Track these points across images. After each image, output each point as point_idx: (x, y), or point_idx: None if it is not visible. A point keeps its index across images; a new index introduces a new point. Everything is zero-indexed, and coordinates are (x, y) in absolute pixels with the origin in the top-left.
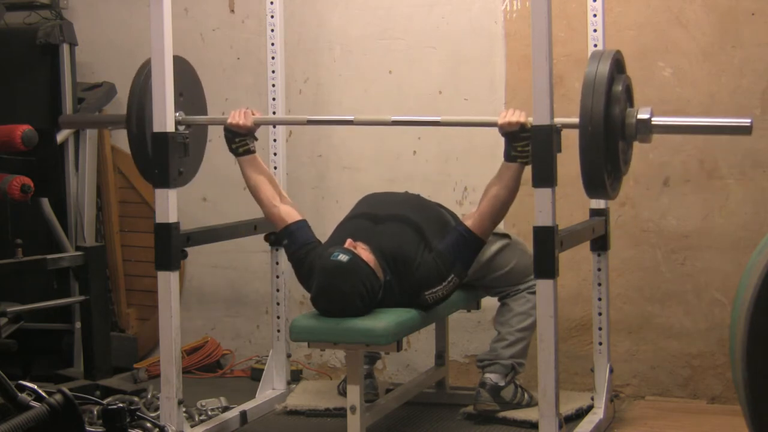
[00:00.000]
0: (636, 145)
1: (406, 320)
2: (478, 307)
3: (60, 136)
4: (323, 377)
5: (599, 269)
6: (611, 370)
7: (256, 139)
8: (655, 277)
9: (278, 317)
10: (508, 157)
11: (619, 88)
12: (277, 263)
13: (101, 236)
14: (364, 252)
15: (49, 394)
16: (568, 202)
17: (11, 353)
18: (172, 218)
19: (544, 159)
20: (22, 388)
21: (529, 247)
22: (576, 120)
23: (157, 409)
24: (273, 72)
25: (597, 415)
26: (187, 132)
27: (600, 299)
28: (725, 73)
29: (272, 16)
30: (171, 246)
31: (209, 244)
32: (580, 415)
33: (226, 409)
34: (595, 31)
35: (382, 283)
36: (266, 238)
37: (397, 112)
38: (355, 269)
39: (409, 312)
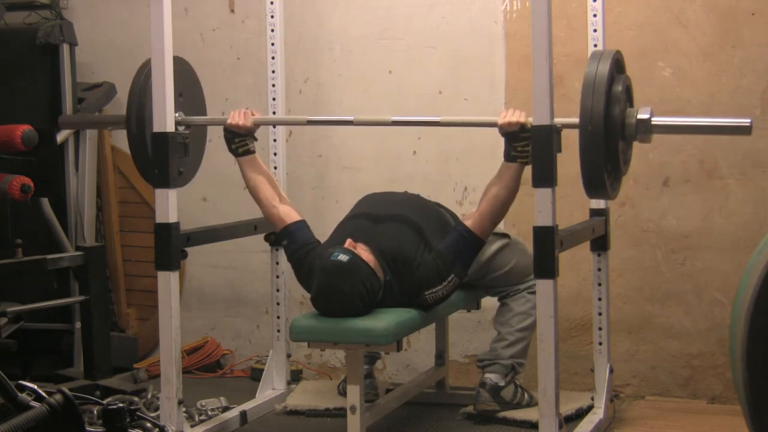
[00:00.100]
0: (636, 145)
1: (406, 320)
2: (478, 307)
3: (60, 136)
4: (323, 377)
5: (599, 269)
6: (611, 370)
7: (256, 140)
8: (655, 277)
9: (278, 317)
10: (508, 157)
11: (619, 88)
12: (277, 263)
13: (101, 236)
14: (364, 252)
15: (49, 394)
16: (568, 202)
17: (11, 353)
18: (172, 218)
19: (544, 159)
20: (22, 388)
21: (529, 247)
22: (576, 120)
23: (157, 409)
24: (273, 72)
25: (597, 415)
26: (186, 132)
27: (600, 299)
28: (725, 73)
29: (272, 16)
30: (171, 246)
31: (209, 244)
32: (580, 415)
33: (226, 409)
34: (595, 31)
35: (382, 283)
36: (266, 238)
37: (397, 112)
38: (355, 269)
39: (409, 312)
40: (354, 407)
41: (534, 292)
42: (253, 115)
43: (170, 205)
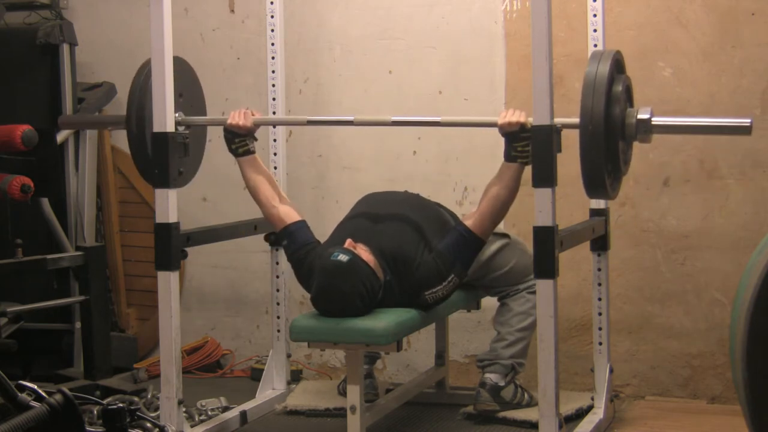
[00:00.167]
0: (636, 145)
1: (406, 320)
2: (478, 307)
3: (60, 136)
4: (323, 377)
5: (599, 269)
6: (611, 370)
7: (256, 140)
8: (655, 277)
9: (278, 317)
10: (508, 157)
11: (619, 88)
12: (277, 263)
13: (101, 236)
14: (364, 252)
15: (49, 394)
16: (568, 202)
17: (11, 353)
18: (172, 218)
19: (544, 159)
20: (22, 388)
21: (529, 247)
22: (576, 120)
23: (157, 409)
24: (273, 72)
25: (597, 415)
26: (186, 132)
27: (600, 299)
28: (725, 73)
29: (272, 16)
30: (171, 246)
31: (209, 244)
32: (580, 415)
33: (226, 409)
34: (595, 31)
35: (382, 283)
36: (266, 238)
37: (397, 112)
38: (355, 269)
39: (409, 312)
40: (354, 407)
41: (534, 292)
42: (253, 115)
43: (170, 205)
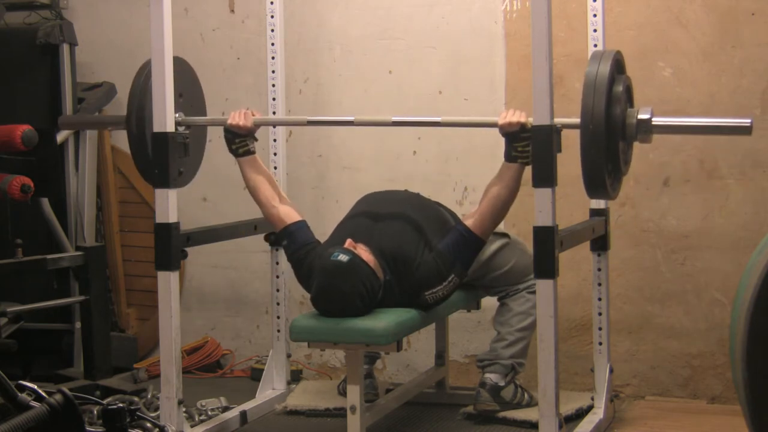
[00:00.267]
0: (636, 145)
1: (406, 320)
2: (478, 307)
3: (60, 136)
4: (323, 377)
5: (599, 269)
6: (611, 370)
7: (257, 140)
8: (655, 277)
9: (278, 317)
10: (509, 157)
11: (619, 88)
12: (277, 263)
13: (101, 236)
14: (364, 252)
15: (49, 394)
16: (568, 202)
17: (11, 353)
18: (172, 218)
19: (544, 159)
20: (22, 388)
21: (529, 246)
22: (576, 120)
23: (157, 409)
24: (273, 72)
25: (597, 415)
26: (187, 132)
27: (600, 299)
28: (725, 73)
29: (272, 16)
30: (171, 246)
31: (209, 244)
32: (580, 415)
33: (226, 409)
34: (595, 31)
35: (382, 283)
36: (266, 238)
37: (397, 112)
38: (355, 269)
39: (409, 312)
40: (354, 407)
41: (534, 292)
42: (253, 115)
43: (170, 205)
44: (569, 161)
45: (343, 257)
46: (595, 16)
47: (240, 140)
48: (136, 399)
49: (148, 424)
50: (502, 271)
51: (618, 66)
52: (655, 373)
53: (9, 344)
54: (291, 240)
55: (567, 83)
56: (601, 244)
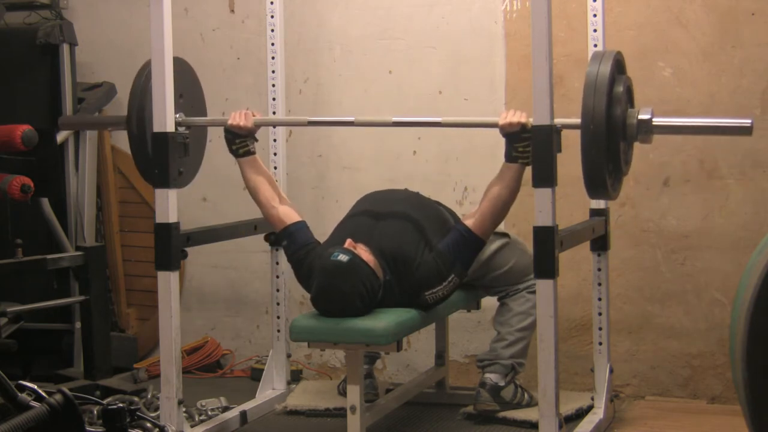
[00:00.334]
0: (636, 145)
1: (406, 320)
2: (478, 307)
3: (60, 136)
4: (323, 377)
5: (599, 269)
6: (611, 370)
7: (257, 141)
8: (655, 277)
9: (278, 317)
10: (509, 157)
11: (620, 88)
12: (277, 263)
13: (101, 236)
14: (364, 252)
15: (49, 394)
16: (568, 202)
17: (11, 353)
18: (172, 218)
19: (544, 159)
20: (22, 388)
21: (529, 246)
22: (576, 120)
23: (157, 409)
24: (273, 72)
25: (597, 415)
26: (187, 132)
27: (600, 299)
28: (725, 73)
29: (272, 16)
30: (171, 246)
31: (209, 244)
32: (580, 415)
33: (226, 409)
34: (595, 31)
35: (382, 283)
36: (266, 238)
37: (397, 112)
38: (355, 269)
39: (409, 312)
40: (354, 407)
41: (534, 292)
42: (254, 116)
43: (170, 205)
44: (569, 161)
45: (343, 257)
46: (595, 16)
47: (240, 141)
48: (136, 399)
49: (148, 424)
50: (502, 271)
51: (618, 66)
52: (655, 373)
53: (9, 344)
54: (291, 241)
55: (567, 83)
56: (601, 244)
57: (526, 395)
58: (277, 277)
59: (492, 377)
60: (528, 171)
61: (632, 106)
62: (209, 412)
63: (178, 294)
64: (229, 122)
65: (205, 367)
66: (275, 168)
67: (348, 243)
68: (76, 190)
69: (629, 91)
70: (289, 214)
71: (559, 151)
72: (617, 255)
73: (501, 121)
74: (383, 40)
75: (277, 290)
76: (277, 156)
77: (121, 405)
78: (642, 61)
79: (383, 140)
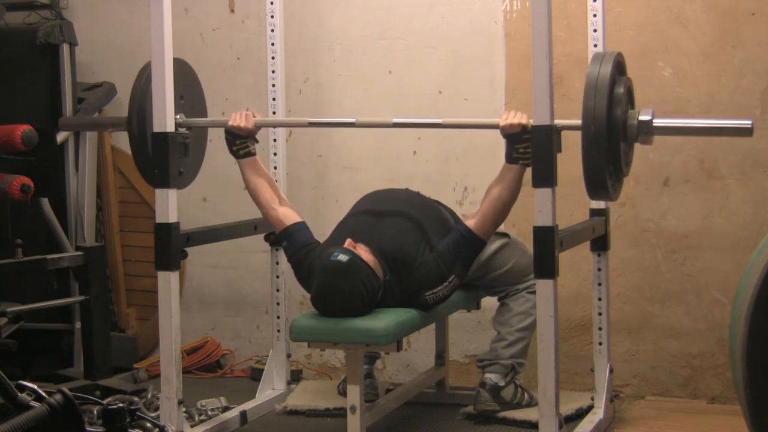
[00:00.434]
0: (636, 145)
1: (406, 320)
2: (478, 307)
3: (60, 136)
4: (323, 377)
5: (599, 269)
6: (611, 370)
7: (257, 141)
8: (655, 277)
9: (278, 317)
10: (510, 158)
11: (620, 89)
12: (277, 263)
13: (101, 236)
14: (364, 252)
15: (49, 394)
16: (568, 202)
17: (11, 353)
18: (172, 218)
19: (544, 159)
20: (22, 388)
21: (529, 246)
22: (577, 121)
23: (157, 409)
24: (273, 72)
25: (597, 415)
26: (187, 132)
27: (600, 299)
28: (725, 73)
29: (272, 16)
30: (171, 246)
31: (209, 244)
32: (580, 415)
33: (226, 409)
34: (595, 31)
35: (382, 283)
36: (266, 238)
37: (398, 112)
38: (354, 269)
39: (409, 312)
40: (354, 407)
41: (534, 292)
42: (254, 116)
43: (170, 205)
44: (569, 161)
45: (343, 257)
46: (595, 16)
47: (241, 142)
48: (136, 399)
49: (148, 424)
50: (502, 271)
51: (619, 67)
52: (655, 373)
53: (9, 344)
54: (291, 241)
55: (567, 83)
56: (601, 244)
57: (526, 395)
58: (277, 277)
59: (492, 377)
60: (528, 171)
61: (633, 107)
62: (209, 412)
63: (178, 294)
64: (230, 123)
65: (205, 367)
66: (275, 168)
67: (348, 243)
68: (76, 190)
69: (630, 93)
70: (288, 215)
71: (559, 151)
72: (617, 255)
73: (502, 122)
74: (383, 40)
75: (277, 290)
76: (277, 156)
77: (121, 405)
78: (642, 61)
79: (383, 140)
